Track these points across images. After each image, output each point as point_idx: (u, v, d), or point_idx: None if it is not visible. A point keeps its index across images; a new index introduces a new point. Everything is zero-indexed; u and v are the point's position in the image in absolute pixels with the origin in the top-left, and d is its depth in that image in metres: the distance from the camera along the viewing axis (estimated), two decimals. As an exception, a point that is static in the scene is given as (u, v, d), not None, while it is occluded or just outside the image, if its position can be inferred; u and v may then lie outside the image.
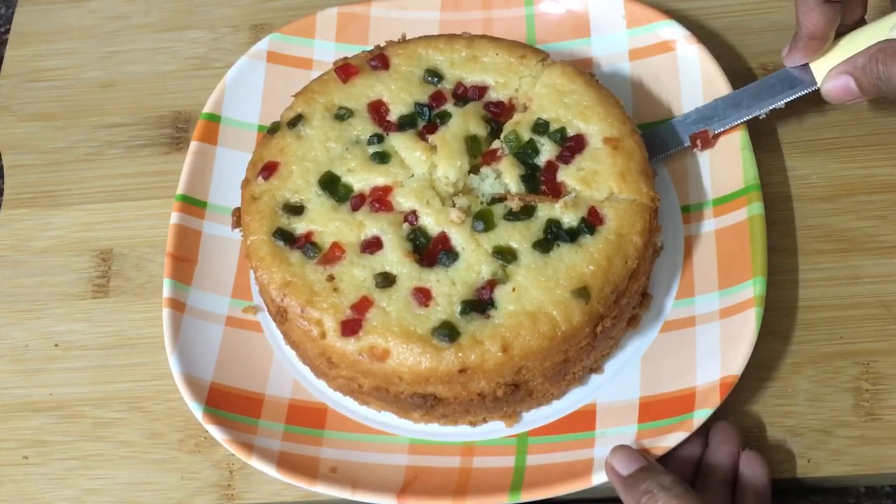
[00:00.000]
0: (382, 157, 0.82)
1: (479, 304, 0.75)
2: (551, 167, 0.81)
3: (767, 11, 0.97)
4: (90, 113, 1.01)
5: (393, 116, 0.84)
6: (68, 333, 0.90)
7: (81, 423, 0.86)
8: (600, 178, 0.79)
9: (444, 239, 0.78)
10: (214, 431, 0.78)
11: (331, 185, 0.82)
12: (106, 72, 1.03)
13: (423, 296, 0.76)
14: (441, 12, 0.96)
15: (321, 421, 0.82)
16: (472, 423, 0.81)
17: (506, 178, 0.80)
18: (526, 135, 0.82)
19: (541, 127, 0.82)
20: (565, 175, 0.80)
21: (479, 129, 0.83)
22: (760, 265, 0.80)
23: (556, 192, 0.80)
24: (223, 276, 0.87)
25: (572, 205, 0.78)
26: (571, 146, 0.81)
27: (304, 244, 0.79)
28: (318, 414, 0.82)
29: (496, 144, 0.82)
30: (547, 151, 0.81)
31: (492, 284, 0.76)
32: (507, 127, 0.83)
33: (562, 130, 0.82)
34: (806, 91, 0.84)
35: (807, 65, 0.84)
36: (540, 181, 0.80)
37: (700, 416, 0.75)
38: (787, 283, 0.84)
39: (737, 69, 0.93)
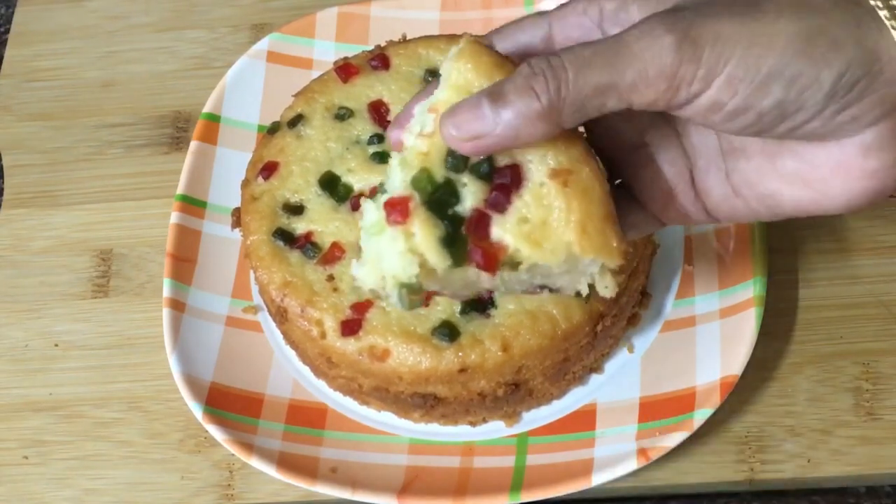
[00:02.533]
0: (382, 157, 0.82)
1: (479, 303, 0.75)
2: (482, 220, 0.54)
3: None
4: (90, 113, 1.01)
5: (393, 116, 0.84)
6: (68, 333, 0.90)
7: (81, 423, 0.86)
8: (552, 233, 0.54)
9: (443, 239, 0.77)
10: (214, 431, 0.78)
11: (331, 185, 0.82)
12: (106, 72, 1.03)
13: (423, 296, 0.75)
14: (441, 12, 0.96)
15: (321, 421, 0.82)
16: (472, 423, 0.81)
17: (420, 246, 0.53)
18: (439, 172, 0.54)
19: (457, 158, 0.54)
20: (503, 230, 0.53)
21: (479, 129, 0.82)
22: (760, 265, 0.80)
23: (492, 259, 0.53)
24: (223, 276, 0.87)
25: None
26: (504, 183, 0.54)
27: (304, 244, 0.79)
28: (318, 414, 0.82)
29: (405, 191, 0.54)
30: (471, 194, 0.54)
31: (492, 284, 0.75)
32: (411, 158, 0.54)
33: (488, 159, 0.54)
34: None
35: None
36: (466, 244, 0.53)
37: (700, 415, 0.75)
38: (787, 283, 0.84)
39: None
